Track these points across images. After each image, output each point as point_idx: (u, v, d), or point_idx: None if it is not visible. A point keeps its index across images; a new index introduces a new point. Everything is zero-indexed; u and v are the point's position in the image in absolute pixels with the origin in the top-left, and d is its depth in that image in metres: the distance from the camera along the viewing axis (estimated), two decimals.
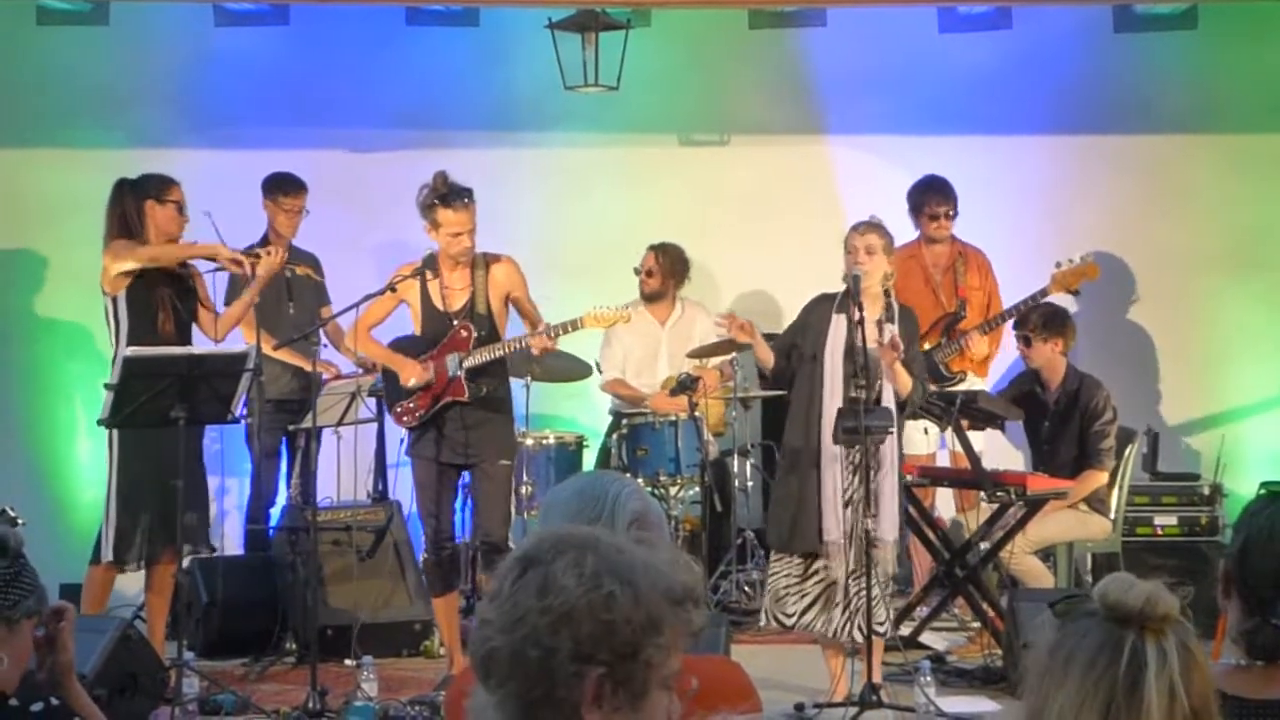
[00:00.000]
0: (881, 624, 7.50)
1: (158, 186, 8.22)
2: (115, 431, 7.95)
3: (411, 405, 8.14)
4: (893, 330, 7.47)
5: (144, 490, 7.97)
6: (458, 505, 8.58)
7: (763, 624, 7.91)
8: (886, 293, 7.62)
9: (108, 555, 8.03)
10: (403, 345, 8.29)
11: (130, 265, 8.04)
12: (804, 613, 7.57)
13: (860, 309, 7.38)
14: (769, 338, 10.16)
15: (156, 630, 8.06)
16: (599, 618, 2.23)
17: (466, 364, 8.05)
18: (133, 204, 8.15)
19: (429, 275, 8.13)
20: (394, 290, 8.09)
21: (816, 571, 7.56)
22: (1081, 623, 2.39)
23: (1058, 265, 9.34)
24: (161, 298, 8.12)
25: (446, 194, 7.96)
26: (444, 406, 8.13)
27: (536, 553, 2.30)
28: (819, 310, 7.67)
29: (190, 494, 7.90)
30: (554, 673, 2.22)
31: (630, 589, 2.26)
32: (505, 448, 8.24)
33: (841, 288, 7.65)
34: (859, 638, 7.37)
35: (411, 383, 8.11)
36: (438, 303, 8.16)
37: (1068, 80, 10.90)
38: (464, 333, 8.07)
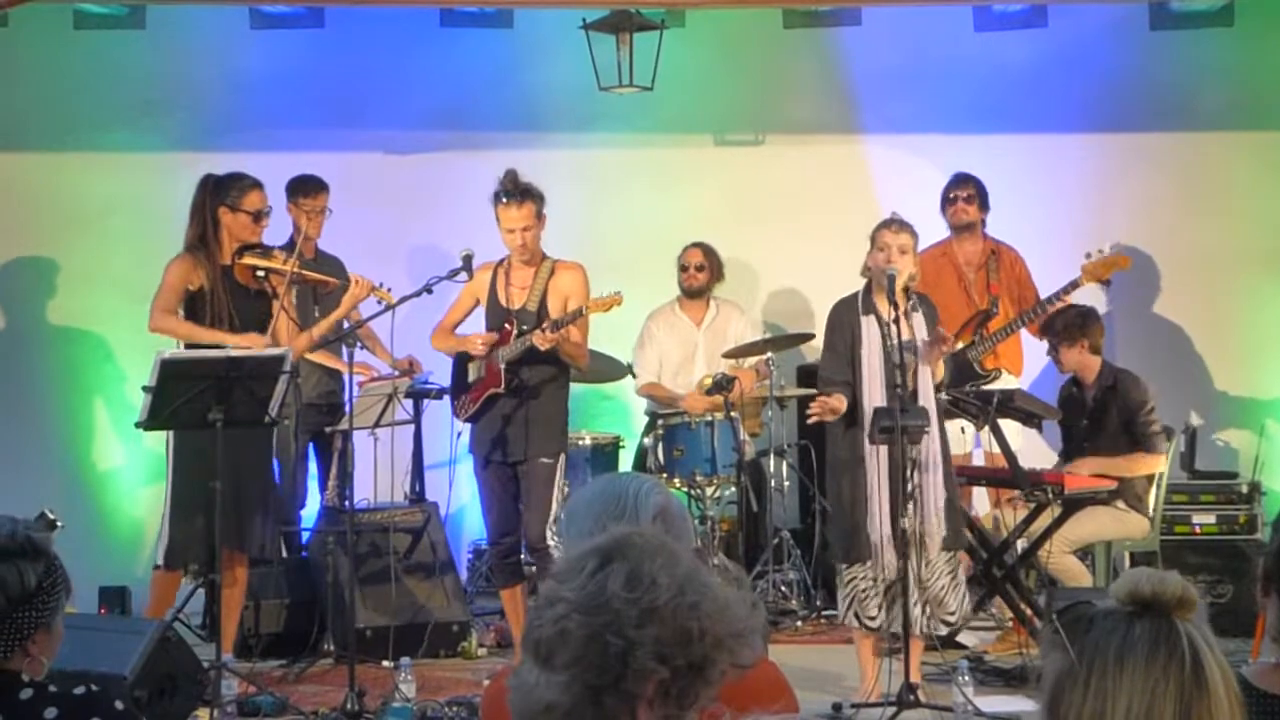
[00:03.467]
0: (952, 614, 7.56)
1: (234, 194, 8.14)
2: (172, 436, 7.98)
3: (466, 400, 8.47)
4: (940, 330, 7.52)
5: (201, 495, 7.98)
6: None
7: (851, 624, 7.83)
8: (906, 288, 7.64)
9: (158, 559, 8.06)
10: None
11: (160, 330, 8.07)
12: (877, 613, 7.58)
13: (896, 307, 7.40)
14: (800, 337, 10.23)
15: (225, 632, 8.03)
16: (682, 624, 2.24)
17: (504, 356, 8.24)
18: (209, 208, 8.14)
19: (500, 273, 8.44)
20: (430, 292, 8.17)
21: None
22: (1109, 622, 2.39)
23: (1087, 256, 9.32)
24: (220, 315, 8.10)
25: (504, 191, 8.23)
26: (490, 400, 8.36)
27: (620, 548, 2.30)
28: (847, 314, 7.69)
29: (257, 497, 7.94)
30: (629, 665, 2.22)
31: (712, 605, 2.27)
32: (547, 445, 8.39)
33: (856, 288, 7.70)
34: (936, 629, 7.44)
35: (479, 346, 8.40)
36: (502, 299, 8.47)
37: (1104, 78, 10.87)
38: (508, 327, 8.29)
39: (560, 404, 8.51)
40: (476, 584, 10.06)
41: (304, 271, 8.25)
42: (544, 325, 8.23)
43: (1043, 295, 9.54)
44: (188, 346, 8.00)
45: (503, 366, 8.32)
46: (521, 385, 8.34)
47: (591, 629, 2.22)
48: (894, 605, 7.55)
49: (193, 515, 8.00)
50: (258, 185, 8.24)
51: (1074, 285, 9.23)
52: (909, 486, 7.47)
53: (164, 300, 8.04)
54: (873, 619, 7.60)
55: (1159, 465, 8.92)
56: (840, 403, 7.54)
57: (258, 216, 8.19)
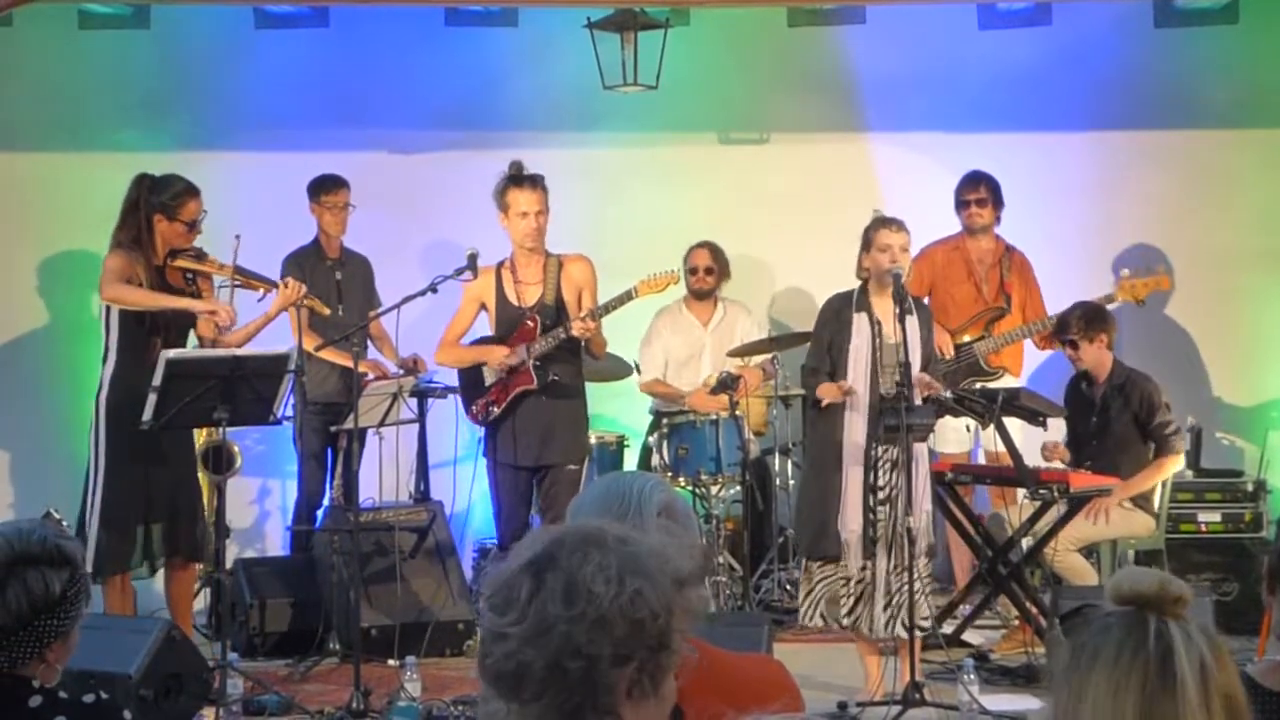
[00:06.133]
0: (926, 619, 7.54)
1: (171, 203, 8.10)
2: (102, 439, 7.97)
3: (486, 401, 8.35)
4: (925, 378, 7.53)
5: (133, 503, 7.97)
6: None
7: (815, 624, 7.85)
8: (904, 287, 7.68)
9: (88, 568, 7.99)
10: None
11: (116, 299, 8.05)
12: (850, 612, 7.58)
13: (901, 305, 7.42)
14: (805, 336, 10.22)
15: (184, 623, 8.01)
16: (631, 618, 2.21)
17: (534, 352, 8.21)
18: (145, 210, 8.11)
19: (505, 273, 8.30)
20: (435, 291, 8.19)
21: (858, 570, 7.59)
22: (1099, 622, 2.38)
23: (1123, 274, 9.39)
24: (157, 318, 8.10)
25: (518, 175, 8.19)
26: (516, 399, 8.34)
27: (549, 557, 2.25)
28: (840, 310, 7.70)
29: (191, 501, 7.92)
30: (597, 680, 2.20)
31: (650, 582, 2.24)
32: (573, 451, 8.45)
33: (853, 286, 7.73)
34: (902, 634, 7.39)
35: (502, 362, 8.35)
36: (513, 298, 8.48)
37: (1108, 76, 10.86)
38: (530, 323, 8.29)
39: (583, 405, 8.59)
40: (481, 583, 10.05)
41: (243, 277, 8.19)
42: (584, 313, 8.26)
43: (1048, 301, 9.55)
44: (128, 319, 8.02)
45: (531, 363, 8.33)
46: (550, 382, 8.37)
47: (548, 658, 2.19)
48: (862, 606, 7.56)
49: (123, 521, 7.98)
50: (195, 193, 8.18)
51: (1108, 300, 9.26)
52: (880, 486, 7.50)
53: (112, 278, 8.05)
54: (847, 617, 7.60)
55: (1180, 464, 8.96)
56: (844, 385, 7.55)
57: (192, 225, 8.14)
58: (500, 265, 8.51)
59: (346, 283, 9.56)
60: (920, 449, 7.57)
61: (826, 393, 7.56)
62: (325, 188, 9.78)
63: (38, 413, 10.80)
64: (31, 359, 10.97)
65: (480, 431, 8.88)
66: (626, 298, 8.45)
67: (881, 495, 7.52)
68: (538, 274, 8.45)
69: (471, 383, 8.63)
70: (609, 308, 8.45)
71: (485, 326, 8.87)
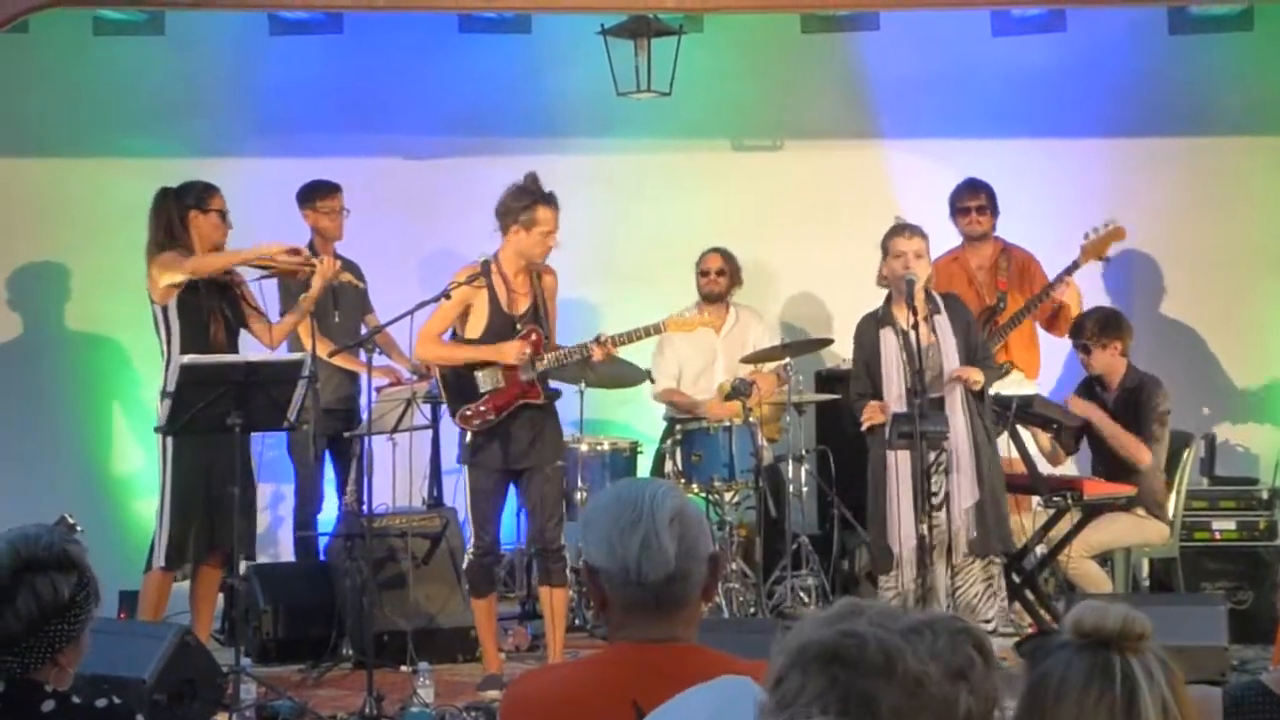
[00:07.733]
0: (989, 622, 7.57)
1: (200, 195, 8.26)
2: (169, 438, 8.00)
3: (483, 408, 8.19)
4: (959, 370, 7.54)
5: (198, 496, 8.03)
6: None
7: None
8: (927, 290, 7.68)
9: (159, 561, 8.10)
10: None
11: (179, 278, 8.08)
12: None
13: (915, 313, 7.43)
14: (818, 343, 10.23)
15: (202, 636, 8.05)
16: None
17: (540, 367, 8.14)
18: (176, 213, 8.19)
19: (495, 278, 8.21)
20: (448, 297, 8.12)
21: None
22: (1059, 655, 2.38)
23: (1085, 236, 9.38)
24: (211, 307, 8.16)
25: (545, 193, 8.08)
26: (514, 410, 8.20)
27: (786, 663, 2.06)
28: (867, 330, 7.73)
29: (246, 501, 7.96)
30: None
31: None
32: (558, 449, 8.37)
33: (873, 294, 7.75)
34: None
35: (514, 359, 8.13)
36: (505, 305, 8.25)
37: (1122, 82, 10.86)
38: (534, 336, 8.16)
39: (555, 410, 8.46)
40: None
41: (276, 264, 8.38)
42: (603, 337, 8.16)
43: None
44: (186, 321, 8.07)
45: (537, 377, 8.18)
46: (555, 396, 8.29)
47: None
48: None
49: (189, 517, 8.05)
50: (217, 188, 8.37)
51: (1074, 266, 9.30)
52: (933, 493, 7.50)
53: (173, 258, 8.09)
54: None
55: (1142, 457, 8.83)
56: (884, 405, 7.59)
57: (223, 215, 8.31)
58: (488, 268, 8.31)
59: (342, 288, 9.54)
60: (962, 448, 7.58)
61: (869, 416, 7.61)
62: (321, 193, 9.73)
63: (49, 420, 10.81)
64: (42, 365, 10.96)
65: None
66: (655, 330, 8.36)
67: (936, 501, 7.54)
68: (525, 284, 8.29)
69: (464, 388, 8.42)
70: (633, 336, 8.33)
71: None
